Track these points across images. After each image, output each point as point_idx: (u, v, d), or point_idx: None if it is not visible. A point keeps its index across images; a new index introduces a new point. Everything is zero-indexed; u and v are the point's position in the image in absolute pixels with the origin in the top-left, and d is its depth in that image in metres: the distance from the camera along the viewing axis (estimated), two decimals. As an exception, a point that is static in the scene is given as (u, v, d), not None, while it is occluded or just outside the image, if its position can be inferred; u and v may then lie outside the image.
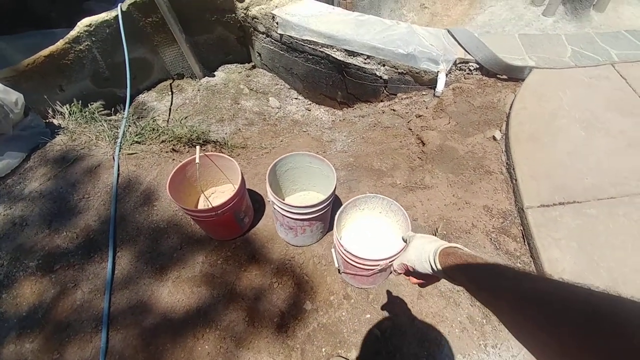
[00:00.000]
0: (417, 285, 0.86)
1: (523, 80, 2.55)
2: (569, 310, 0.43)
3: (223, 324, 1.48)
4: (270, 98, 3.48)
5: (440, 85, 2.60)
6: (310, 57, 3.08)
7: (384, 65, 2.79)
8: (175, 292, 1.57)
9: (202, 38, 3.39)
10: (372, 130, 2.79)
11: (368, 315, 1.54)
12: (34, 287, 1.57)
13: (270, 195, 1.47)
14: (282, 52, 3.29)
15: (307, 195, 1.87)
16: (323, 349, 1.46)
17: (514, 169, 2.01)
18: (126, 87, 2.69)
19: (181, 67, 3.48)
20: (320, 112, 3.41)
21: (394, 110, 2.89)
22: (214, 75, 3.63)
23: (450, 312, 1.53)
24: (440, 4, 5.25)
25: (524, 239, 1.80)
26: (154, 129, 2.32)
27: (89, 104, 2.53)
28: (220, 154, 1.63)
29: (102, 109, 2.52)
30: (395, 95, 2.94)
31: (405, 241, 0.94)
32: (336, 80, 3.13)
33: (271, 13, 3.06)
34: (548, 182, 1.92)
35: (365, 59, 2.82)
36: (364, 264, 1.34)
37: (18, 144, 2.02)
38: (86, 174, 1.98)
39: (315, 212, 1.47)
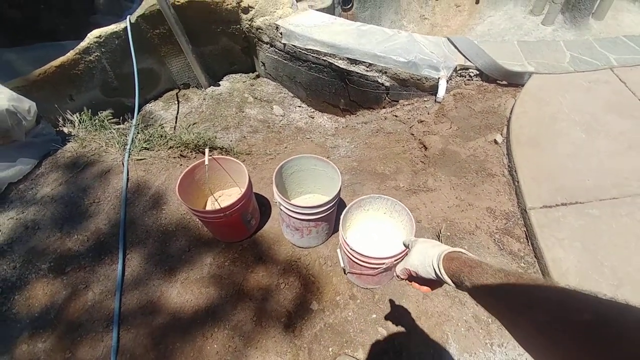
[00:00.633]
0: (420, 290, 0.85)
1: (523, 85, 2.60)
2: (576, 317, 0.43)
3: (231, 323, 1.50)
4: (274, 106, 3.54)
5: (442, 92, 2.65)
6: (314, 65, 3.15)
7: (385, 73, 2.85)
8: (184, 293, 1.60)
9: (207, 49, 3.48)
10: (374, 136, 2.84)
11: (374, 315, 1.56)
12: (45, 289, 1.60)
13: (277, 197, 1.51)
14: (285, 62, 3.37)
15: (312, 197, 1.90)
16: (330, 349, 1.47)
17: (515, 171, 2.04)
18: (134, 97, 2.77)
19: (187, 77, 3.56)
20: (324, 120, 3.46)
21: (396, 116, 2.94)
22: (219, 85, 3.71)
23: (456, 311, 1.54)
24: (440, 15, 5.35)
25: (527, 239, 1.82)
26: (161, 136, 2.37)
27: (98, 113, 2.59)
28: (228, 157, 1.68)
29: (111, 117, 2.58)
30: (397, 101, 2.99)
31: (406, 246, 0.93)
32: (339, 88, 3.20)
33: (275, 24, 3.15)
34: (550, 184, 1.95)
35: (367, 67, 2.89)
36: (369, 263, 1.37)
37: (30, 150, 2.07)
38: (96, 179, 2.02)
39: (321, 212, 1.51)
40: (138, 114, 2.70)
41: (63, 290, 1.60)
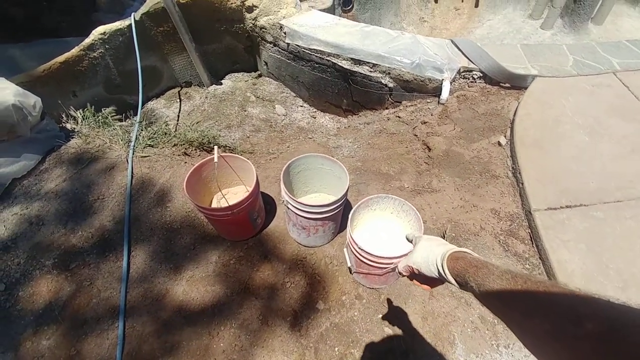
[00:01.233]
0: (420, 287, 0.84)
1: (526, 88, 2.61)
2: (588, 324, 0.42)
3: (237, 322, 1.50)
4: (276, 106, 3.54)
5: (445, 93, 2.66)
6: (317, 66, 3.16)
7: (389, 74, 2.85)
8: (189, 291, 1.59)
9: (210, 47, 3.47)
10: (377, 136, 2.84)
11: (380, 315, 1.56)
12: (50, 285, 1.59)
13: (284, 195, 1.51)
14: (288, 61, 3.37)
15: (319, 196, 1.90)
16: (336, 349, 1.47)
17: (520, 173, 2.05)
18: (136, 94, 2.76)
19: (189, 75, 3.55)
20: (326, 120, 3.46)
21: (399, 117, 2.95)
22: (221, 83, 3.70)
23: (462, 312, 1.54)
24: (440, 18, 5.37)
25: (532, 241, 1.83)
26: (165, 133, 2.37)
27: (101, 110, 2.58)
28: (235, 155, 1.67)
29: (114, 114, 2.57)
30: (400, 102, 3.00)
31: (409, 240, 0.92)
32: (342, 88, 3.20)
33: (279, 23, 3.15)
34: (554, 186, 1.96)
35: (371, 68, 2.89)
36: (377, 262, 1.37)
37: (34, 146, 2.06)
38: (100, 176, 2.01)
39: (329, 211, 1.51)
40: (141, 108, 2.69)
41: (67, 286, 1.59)
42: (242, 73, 3.87)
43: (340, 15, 4.20)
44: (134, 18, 2.83)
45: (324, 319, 1.55)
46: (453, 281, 0.68)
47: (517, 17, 5.21)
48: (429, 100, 2.86)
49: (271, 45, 3.40)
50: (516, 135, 2.24)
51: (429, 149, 2.44)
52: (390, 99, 3.03)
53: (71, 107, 2.43)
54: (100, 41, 2.73)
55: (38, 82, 2.49)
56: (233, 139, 2.98)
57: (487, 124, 2.47)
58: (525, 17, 5.14)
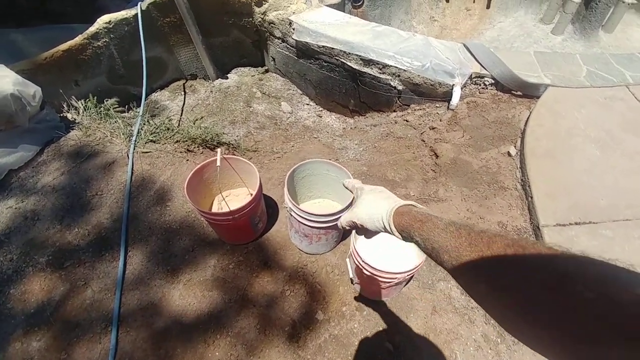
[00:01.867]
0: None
1: (538, 97, 2.55)
2: (534, 273, 0.40)
3: (234, 330, 1.46)
4: (282, 103, 3.48)
5: (456, 99, 2.60)
6: (325, 64, 3.09)
7: (398, 76, 2.79)
8: (186, 296, 1.55)
9: (217, 40, 3.40)
10: (384, 139, 2.78)
11: (381, 329, 1.52)
12: (43, 284, 1.54)
13: (288, 202, 1.46)
14: (296, 58, 3.30)
15: (322, 202, 1.86)
16: (334, 361, 1.43)
17: (529, 186, 2.00)
18: (140, 85, 2.70)
19: (195, 67, 3.48)
20: (332, 119, 3.40)
21: (406, 121, 2.89)
22: (227, 78, 3.63)
23: (465, 329, 1.50)
24: (450, 18, 5.28)
25: (539, 257, 1.78)
26: (168, 129, 2.31)
27: (104, 100, 2.53)
28: (239, 158, 1.62)
29: (116, 105, 2.52)
30: (409, 106, 2.94)
31: (348, 189, 0.88)
32: (349, 88, 3.14)
33: (288, 19, 3.08)
34: (564, 201, 1.91)
35: (380, 69, 2.83)
36: (380, 277, 1.33)
37: (33, 136, 2.01)
38: (100, 171, 1.96)
39: (333, 220, 1.46)
40: (144, 102, 2.64)
41: (61, 286, 1.54)
42: (248, 68, 3.81)
43: (350, 11, 4.12)
44: (141, 7, 2.76)
45: (323, 330, 1.51)
46: (400, 237, 0.66)
47: (528, 21, 5.14)
48: (438, 105, 2.80)
49: (279, 41, 3.33)
50: (527, 146, 2.18)
51: (437, 156, 2.39)
52: (398, 101, 2.96)
53: (73, 96, 2.38)
54: (105, 30, 2.67)
55: (40, 69, 2.43)
56: (237, 136, 2.93)
57: (497, 132, 2.41)
58: (536, 21, 5.07)
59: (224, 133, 2.77)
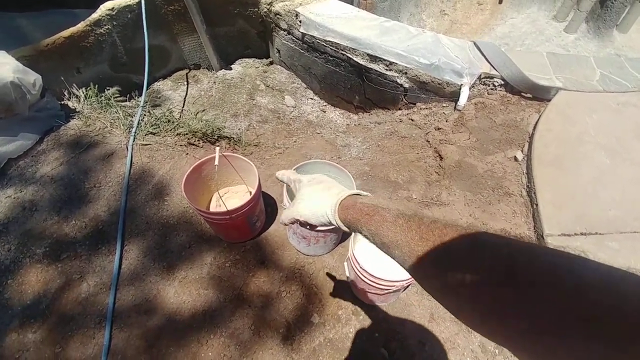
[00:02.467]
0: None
1: (548, 100, 2.48)
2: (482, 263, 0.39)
3: (228, 330, 1.45)
4: (285, 96, 3.43)
5: (463, 99, 2.54)
6: (331, 58, 3.03)
7: (406, 74, 2.72)
8: (181, 293, 1.54)
9: (222, 30, 3.34)
10: (388, 138, 2.74)
11: (377, 334, 1.50)
12: (39, 275, 1.54)
13: (287, 204, 1.43)
14: (302, 51, 3.24)
15: (322, 203, 1.83)
16: (328, 365, 1.42)
17: (535, 193, 1.95)
18: (142, 74, 2.65)
19: (198, 57, 3.43)
20: (335, 115, 3.35)
21: (412, 119, 2.84)
22: (230, 69, 3.58)
23: (462, 339, 1.48)
24: (461, 12, 5.15)
25: (541, 267, 1.75)
26: (169, 121, 2.28)
27: (105, 89, 2.50)
28: (238, 155, 1.59)
29: (117, 94, 2.49)
30: (414, 104, 2.88)
31: (282, 181, 0.83)
32: (355, 84, 3.08)
33: (295, 11, 3.01)
34: (570, 210, 1.86)
35: (387, 66, 2.76)
36: (378, 284, 1.30)
37: (33, 125, 1.98)
38: (99, 162, 1.94)
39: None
40: (145, 92, 2.60)
41: (57, 278, 1.54)
42: (253, 59, 3.74)
43: (359, 3, 4.03)
44: (144, -5, 2.71)
45: (318, 333, 1.50)
46: (348, 231, 0.64)
47: (541, 18, 5.00)
48: (444, 105, 2.74)
49: (285, 33, 3.26)
50: (535, 152, 2.13)
51: (441, 158, 2.34)
52: (404, 99, 2.91)
53: (74, 84, 2.34)
54: (108, 17, 2.62)
55: (41, 56, 2.40)
56: (239, 129, 2.89)
57: (504, 135, 2.36)
58: (549, 18, 4.93)
59: (225, 127, 2.74)
